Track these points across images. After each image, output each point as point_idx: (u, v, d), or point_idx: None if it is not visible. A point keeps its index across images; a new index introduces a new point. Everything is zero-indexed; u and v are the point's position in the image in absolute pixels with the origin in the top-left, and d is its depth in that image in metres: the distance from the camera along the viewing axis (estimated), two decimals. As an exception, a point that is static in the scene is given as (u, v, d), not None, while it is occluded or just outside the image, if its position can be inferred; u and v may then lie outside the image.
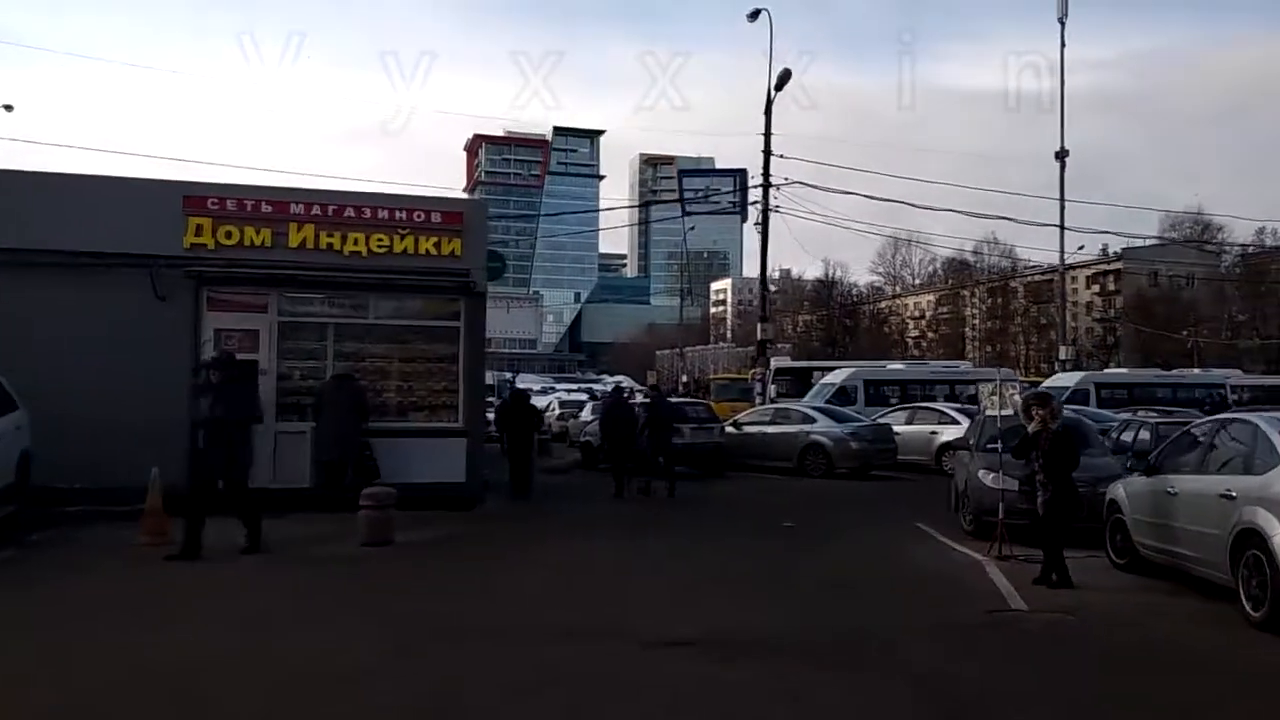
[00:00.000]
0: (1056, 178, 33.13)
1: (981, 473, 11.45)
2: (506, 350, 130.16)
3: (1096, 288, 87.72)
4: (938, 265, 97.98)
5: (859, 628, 7.21)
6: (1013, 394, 10.28)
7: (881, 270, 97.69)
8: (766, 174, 23.62)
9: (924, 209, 27.82)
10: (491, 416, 18.29)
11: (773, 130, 23.85)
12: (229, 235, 13.11)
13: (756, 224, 23.89)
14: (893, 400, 29.23)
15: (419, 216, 13.74)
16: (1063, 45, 33.99)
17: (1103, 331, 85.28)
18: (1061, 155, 33.70)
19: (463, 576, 9.25)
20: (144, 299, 12.68)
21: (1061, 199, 32.94)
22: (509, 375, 72.99)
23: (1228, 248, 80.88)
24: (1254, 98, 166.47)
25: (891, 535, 12.04)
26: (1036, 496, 8.80)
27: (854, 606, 8.04)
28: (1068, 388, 29.85)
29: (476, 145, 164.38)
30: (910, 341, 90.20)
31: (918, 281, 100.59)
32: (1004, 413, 10.25)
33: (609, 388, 55.45)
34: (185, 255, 12.93)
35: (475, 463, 13.73)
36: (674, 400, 21.33)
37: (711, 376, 53.64)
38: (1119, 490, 9.63)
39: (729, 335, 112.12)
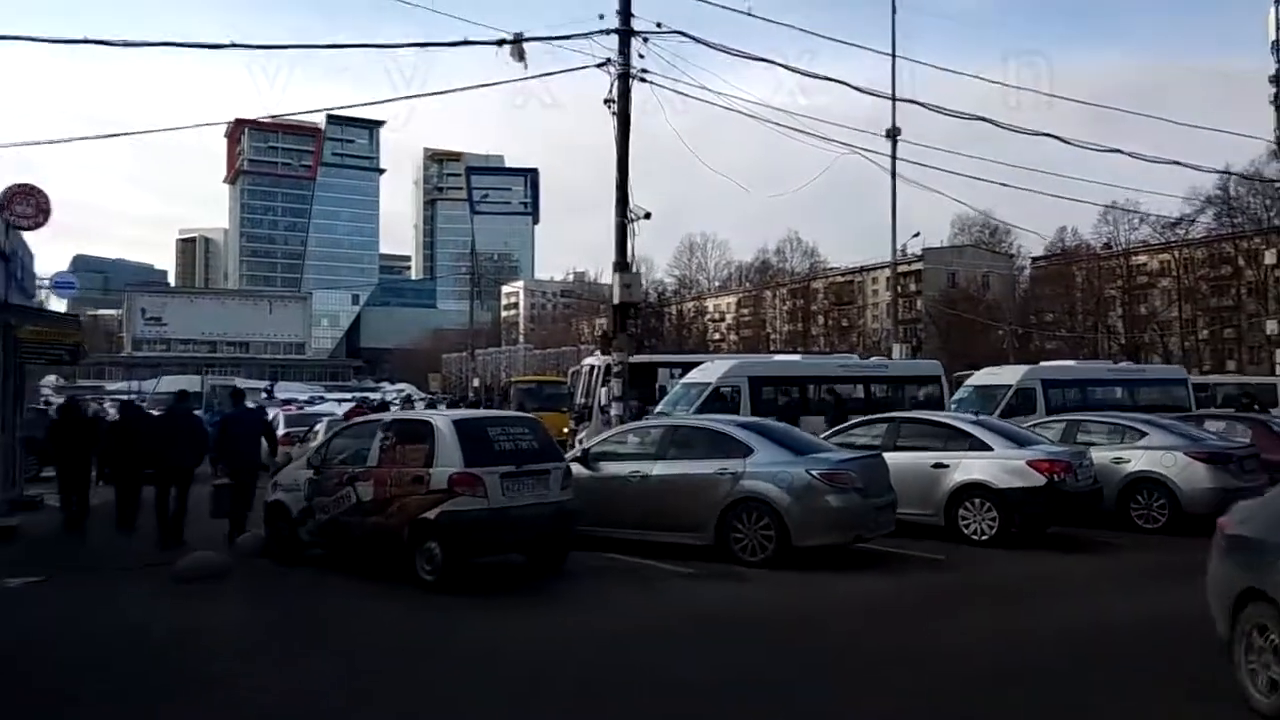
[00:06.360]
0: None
1: None
2: (269, 355, 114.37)
3: (897, 288, 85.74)
4: (732, 269, 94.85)
5: None
6: None
7: (677, 272, 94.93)
8: (627, 11, 13.44)
9: (868, 92, 18.81)
10: None
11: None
12: None
13: (609, 102, 13.71)
14: (782, 404, 20.26)
15: None
16: (894, 10, 29.96)
17: (904, 333, 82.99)
18: (894, 134, 28.84)
19: None
20: None
21: (893, 182, 28.47)
22: (264, 384, 59.12)
23: (1017, 251, 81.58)
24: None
25: None
26: None
27: None
28: (1009, 385, 21.95)
29: (239, 131, 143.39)
30: (712, 344, 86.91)
31: (717, 284, 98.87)
32: None
33: (394, 397, 43.91)
34: None
35: None
36: (477, 415, 11.12)
37: (513, 379, 43.33)
38: None
39: (520, 339, 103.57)
